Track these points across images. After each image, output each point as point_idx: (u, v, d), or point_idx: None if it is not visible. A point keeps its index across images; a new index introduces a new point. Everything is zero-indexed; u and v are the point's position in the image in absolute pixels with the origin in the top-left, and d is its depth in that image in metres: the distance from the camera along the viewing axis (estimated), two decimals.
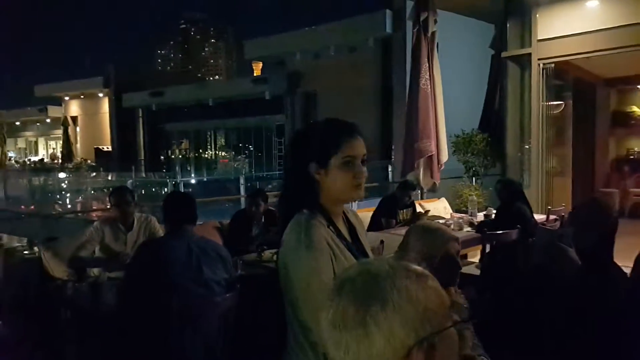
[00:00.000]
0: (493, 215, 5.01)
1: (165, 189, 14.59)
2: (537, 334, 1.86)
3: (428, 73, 5.89)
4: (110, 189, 4.84)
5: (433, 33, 6.23)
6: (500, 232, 4.16)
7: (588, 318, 1.81)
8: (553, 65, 6.96)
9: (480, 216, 5.31)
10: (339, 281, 0.85)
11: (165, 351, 2.17)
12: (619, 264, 2.06)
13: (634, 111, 10.61)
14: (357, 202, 6.76)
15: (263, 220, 4.12)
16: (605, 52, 6.48)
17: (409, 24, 8.07)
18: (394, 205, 4.92)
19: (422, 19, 6.13)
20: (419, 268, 0.85)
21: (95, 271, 3.31)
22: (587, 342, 1.80)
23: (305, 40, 16.84)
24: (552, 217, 5.57)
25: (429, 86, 5.80)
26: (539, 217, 5.32)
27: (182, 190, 8.74)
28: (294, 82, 17.54)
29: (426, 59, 5.99)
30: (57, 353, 2.95)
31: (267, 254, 3.70)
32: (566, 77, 7.98)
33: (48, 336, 3.03)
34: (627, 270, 2.03)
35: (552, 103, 7.22)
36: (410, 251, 1.74)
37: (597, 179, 10.58)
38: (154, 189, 15.83)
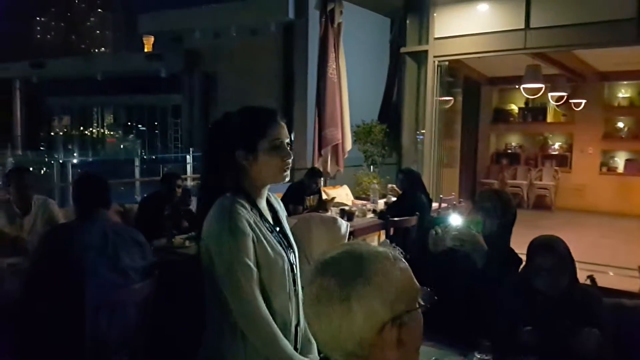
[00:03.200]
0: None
1: (45, 169, 13.49)
2: (446, 306, 2.07)
3: (335, 63, 6.04)
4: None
5: (339, 24, 6.39)
6: (402, 218, 4.48)
7: (491, 293, 2.06)
8: (447, 63, 7.44)
9: (381, 203, 5.60)
10: (321, 262, 0.90)
11: (82, 342, 2.07)
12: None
13: (512, 109, 11.71)
14: None
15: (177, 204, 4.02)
16: (491, 53, 7.05)
17: (312, 12, 8.20)
18: (302, 191, 5.02)
19: (329, 9, 6.25)
20: (395, 252, 0.92)
21: None
22: (487, 315, 2.04)
23: (206, 18, 16.30)
24: (443, 205, 6.04)
25: (336, 76, 5.96)
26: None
27: (91, 171, 8.17)
28: (192, 61, 16.94)
29: (333, 49, 6.15)
30: None
31: (178, 239, 3.63)
32: (457, 75, 8.59)
33: None
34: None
35: (444, 98, 7.73)
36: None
37: (479, 171, 11.57)
38: (31, 168, 14.53)
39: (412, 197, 4.77)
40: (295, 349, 1.53)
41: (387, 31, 8.52)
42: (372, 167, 7.53)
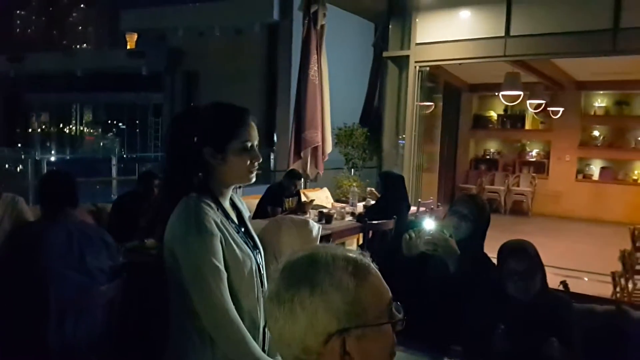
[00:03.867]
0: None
1: (21, 166, 13.25)
2: (418, 311, 2.07)
3: (317, 65, 6.04)
4: None
5: (322, 26, 6.39)
6: (380, 222, 4.50)
7: (464, 298, 2.06)
8: (428, 68, 7.49)
9: (360, 206, 5.60)
10: (284, 261, 0.88)
11: (47, 345, 2.02)
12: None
13: (491, 115, 11.85)
14: (242, 189, 6.75)
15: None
16: (472, 60, 7.12)
17: (297, 14, 8.20)
18: (280, 193, 5.00)
19: (312, 11, 6.24)
20: (365, 262, 0.88)
21: None
22: (459, 320, 2.04)
23: (190, 17, 16.17)
24: (422, 209, 6.07)
25: (318, 78, 5.96)
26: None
27: (58, 169, 8.02)
28: (174, 60, 16.76)
29: (315, 51, 6.13)
30: None
31: (151, 241, 3.57)
32: (438, 81, 8.66)
33: None
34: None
35: (425, 104, 7.78)
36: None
37: (458, 176, 11.69)
38: (7, 165, 14.29)
39: (390, 200, 4.79)
40: (263, 349, 1.50)
41: (370, 35, 8.55)
42: (352, 170, 7.54)
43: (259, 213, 4.84)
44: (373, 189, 5.49)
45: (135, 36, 20.28)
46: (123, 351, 2.45)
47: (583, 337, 2.02)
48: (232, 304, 1.42)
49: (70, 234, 2.26)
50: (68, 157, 22.35)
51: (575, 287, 2.87)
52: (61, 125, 27.07)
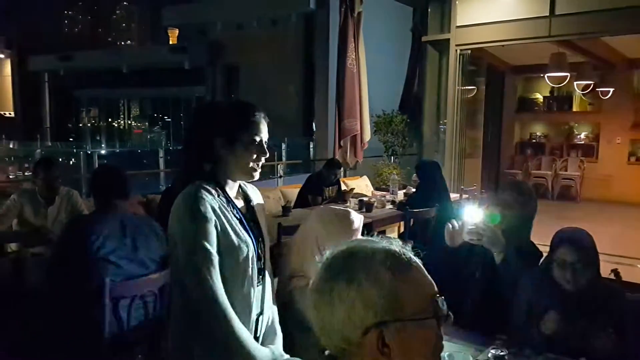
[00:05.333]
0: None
1: (74, 160, 13.78)
2: (463, 300, 2.05)
3: (354, 53, 6.01)
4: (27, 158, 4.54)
5: (359, 13, 6.35)
6: (422, 210, 4.45)
7: (509, 288, 2.02)
8: (469, 51, 7.31)
9: (400, 194, 5.56)
10: (328, 254, 0.91)
11: (99, 330, 2.13)
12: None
13: (537, 98, 11.47)
14: (282, 179, 6.83)
15: None
16: (515, 41, 6.89)
17: (333, 2, 8.15)
18: (321, 182, 5.03)
19: None
20: (406, 256, 0.88)
21: (12, 246, 3.13)
22: (504, 310, 2.01)
23: (228, 10, 16.36)
24: (465, 196, 5.98)
25: (355, 66, 5.93)
26: (452, 195, 5.67)
27: (109, 163, 8.31)
28: (215, 53, 17.04)
29: (352, 39, 6.11)
30: None
31: None
32: (480, 64, 8.43)
33: None
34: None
35: (466, 88, 7.61)
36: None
37: (503, 161, 11.39)
38: (61, 159, 14.92)
39: (427, 189, 4.71)
40: (256, 338, 1.54)
41: (408, 20, 8.41)
42: (392, 157, 7.48)
43: (299, 202, 4.89)
44: (411, 187, 5.45)
45: (177, 31, 20.72)
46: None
47: (636, 328, 1.94)
48: (221, 286, 1.45)
49: (123, 226, 2.36)
50: (118, 150, 23.12)
51: (627, 275, 2.76)
52: (110, 120, 28.02)
